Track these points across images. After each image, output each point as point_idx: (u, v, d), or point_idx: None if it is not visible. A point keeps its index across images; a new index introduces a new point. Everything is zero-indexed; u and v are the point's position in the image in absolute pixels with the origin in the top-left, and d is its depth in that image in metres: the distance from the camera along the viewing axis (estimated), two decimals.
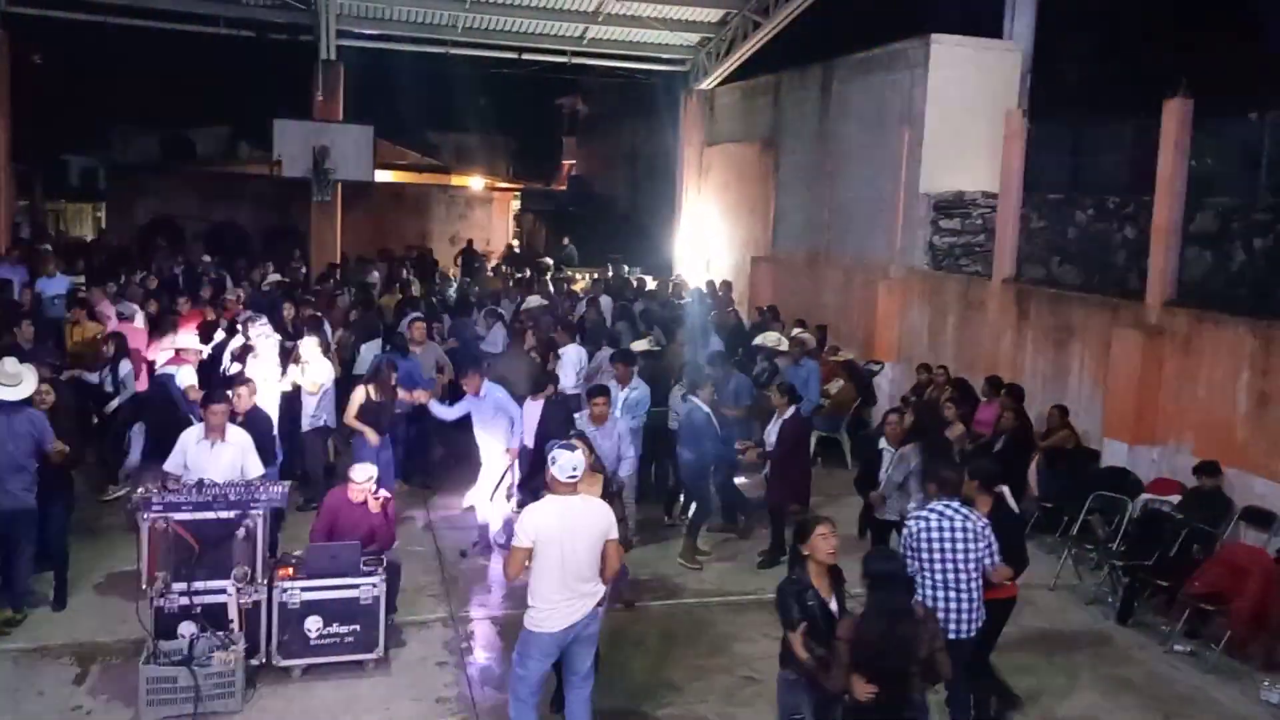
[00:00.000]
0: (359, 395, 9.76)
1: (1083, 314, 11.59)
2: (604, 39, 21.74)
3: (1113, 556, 9.00)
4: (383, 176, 25.33)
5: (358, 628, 7.03)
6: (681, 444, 9.78)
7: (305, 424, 10.29)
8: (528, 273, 21.38)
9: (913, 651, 4.94)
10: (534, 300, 15.55)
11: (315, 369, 10.26)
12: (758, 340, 13.12)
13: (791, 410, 9.51)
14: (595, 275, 21.97)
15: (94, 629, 7.55)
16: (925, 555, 5.92)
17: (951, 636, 5.86)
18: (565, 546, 5.56)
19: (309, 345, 10.39)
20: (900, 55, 15.14)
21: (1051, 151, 12.66)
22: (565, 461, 5.61)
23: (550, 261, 24.56)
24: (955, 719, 6.24)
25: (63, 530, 7.99)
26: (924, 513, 6.03)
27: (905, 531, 6.05)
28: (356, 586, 7.02)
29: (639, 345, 12.27)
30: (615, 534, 5.80)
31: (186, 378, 9.89)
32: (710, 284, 18.47)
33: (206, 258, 20.11)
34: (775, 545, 9.52)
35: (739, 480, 11.32)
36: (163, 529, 6.58)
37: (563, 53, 22.09)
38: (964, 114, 14.34)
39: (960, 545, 5.91)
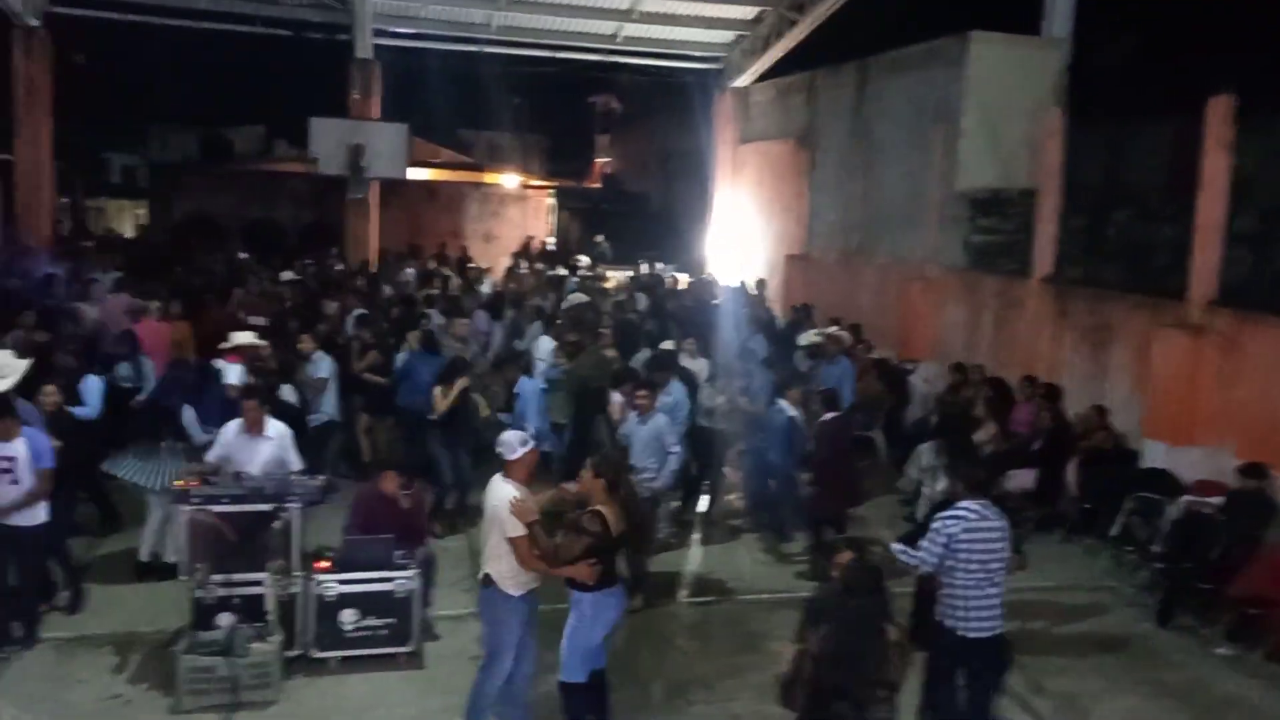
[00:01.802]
0: (438, 392, 9.95)
1: (1123, 313, 11.44)
2: (638, 37, 21.77)
3: (1153, 558, 8.89)
4: (417, 174, 25.45)
5: (393, 621, 7.07)
6: (766, 447, 9.92)
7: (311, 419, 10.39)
8: (559, 270, 21.42)
9: (881, 671, 4.75)
10: (576, 297, 15.57)
11: (314, 365, 10.51)
12: (802, 340, 13.10)
13: (830, 414, 9.34)
14: (632, 274, 21.94)
15: (133, 619, 7.63)
16: (963, 554, 5.84)
17: (986, 635, 5.85)
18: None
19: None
20: (937, 52, 15.03)
21: (1091, 149, 12.51)
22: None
23: (584, 259, 24.58)
24: (984, 716, 6.16)
25: (62, 530, 7.92)
26: (962, 511, 5.92)
27: (943, 528, 5.89)
28: (391, 580, 7.06)
29: (666, 346, 12.25)
30: (512, 530, 5.77)
31: (233, 376, 9.98)
32: (743, 282, 18.42)
33: (243, 255, 20.32)
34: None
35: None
36: (201, 521, 6.65)
37: (597, 51, 22.16)
38: (1002, 111, 14.22)
39: (995, 544, 5.87)
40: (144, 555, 8.35)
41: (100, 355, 10.95)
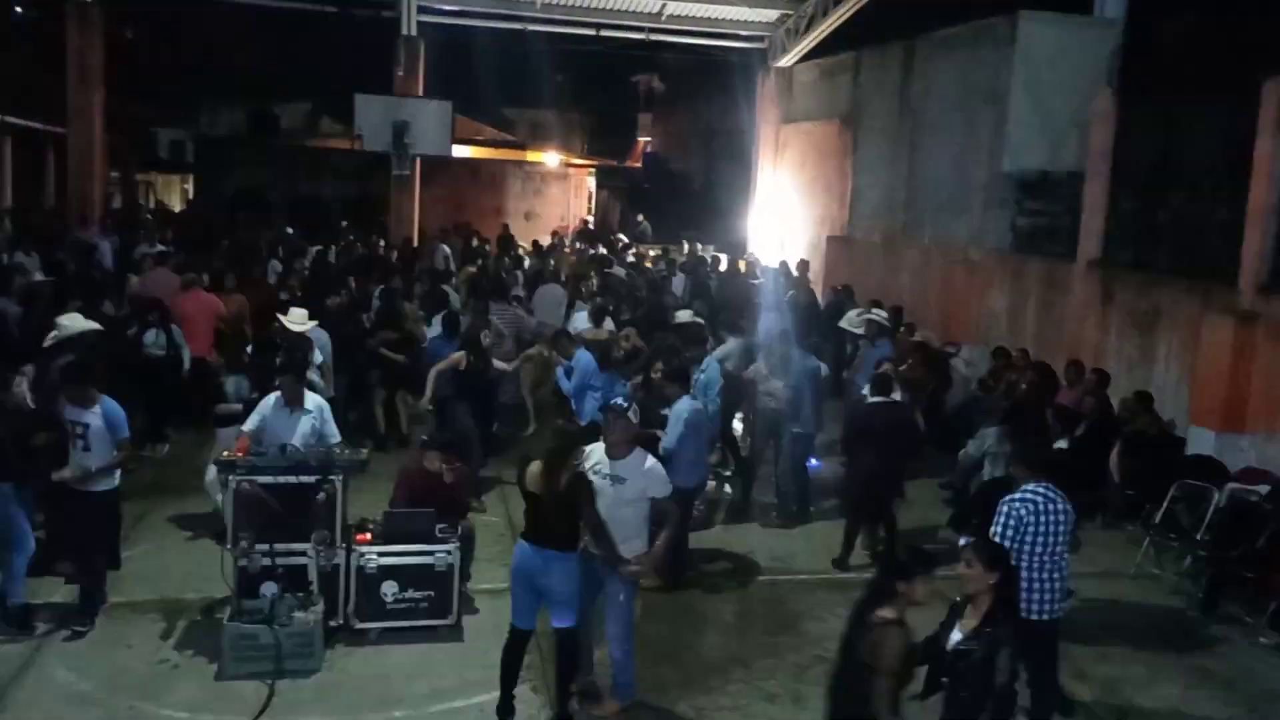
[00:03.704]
0: (456, 359, 9.91)
1: (1171, 298, 11.28)
2: (681, 15, 21.67)
3: (1197, 546, 8.78)
4: (459, 152, 25.56)
5: (432, 594, 7.15)
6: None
7: None
8: (600, 249, 21.45)
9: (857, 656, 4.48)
10: (616, 271, 15.60)
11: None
12: (844, 322, 13.03)
13: (879, 398, 9.02)
14: (668, 250, 21.84)
15: (180, 586, 7.78)
16: (1030, 536, 5.87)
17: (1045, 617, 5.92)
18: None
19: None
20: (986, 31, 14.83)
21: (1142, 130, 12.31)
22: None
23: (625, 238, 24.60)
24: (1046, 701, 6.15)
25: None
26: (1029, 494, 5.96)
27: (1009, 510, 5.90)
28: (431, 553, 7.14)
29: (683, 315, 12.19)
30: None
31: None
32: (784, 263, 18.33)
33: (289, 230, 20.54)
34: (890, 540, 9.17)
35: (811, 461, 11.29)
36: (247, 491, 6.76)
37: (640, 29, 22.04)
38: (1051, 92, 14.02)
39: (1060, 527, 5.92)
40: None
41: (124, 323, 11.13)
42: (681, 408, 8.17)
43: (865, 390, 9.51)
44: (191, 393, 10.92)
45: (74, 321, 8.47)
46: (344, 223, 22.46)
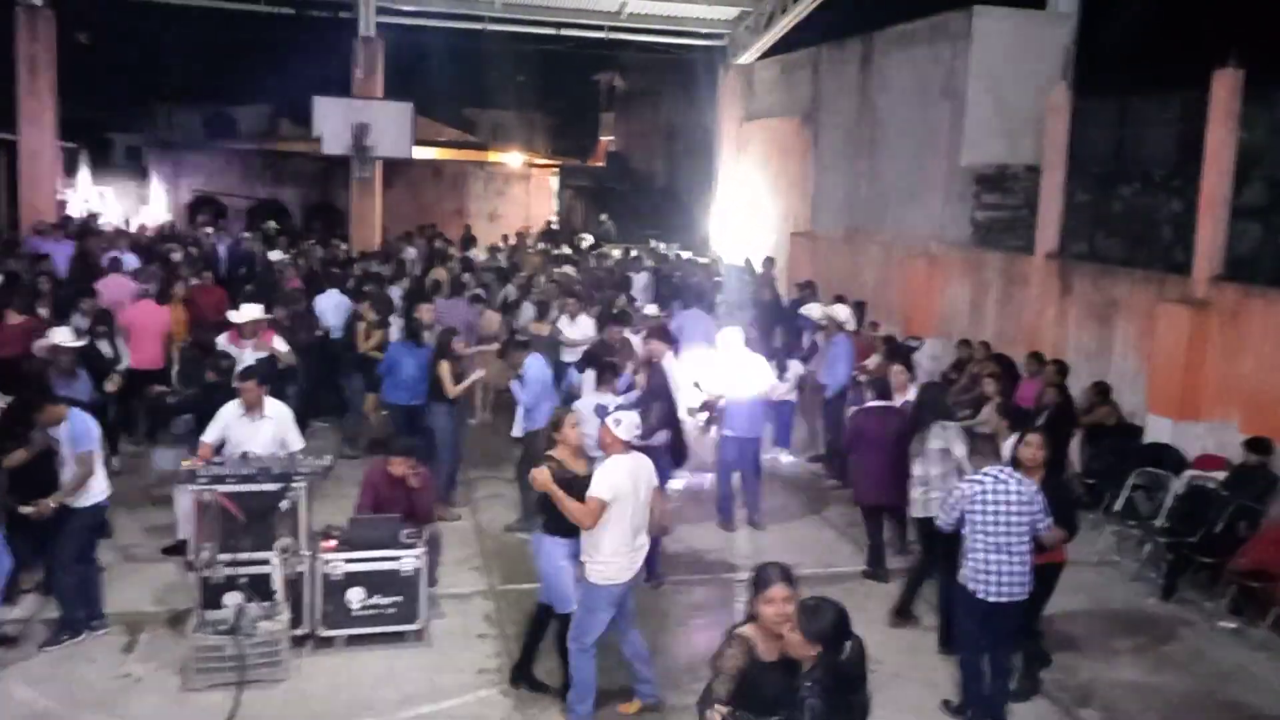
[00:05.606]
0: (444, 370, 9.81)
1: (1127, 289, 11.43)
2: (641, 13, 21.69)
3: (1156, 533, 8.92)
4: (421, 153, 25.43)
5: (399, 599, 7.09)
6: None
7: None
8: (564, 249, 21.43)
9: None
10: (567, 269, 15.64)
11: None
12: (808, 310, 13.03)
13: (878, 402, 8.77)
14: (629, 250, 21.86)
15: (142, 599, 7.69)
16: (979, 518, 6.02)
17: (1004, 599, 6.01)
18: (633, 502, 5.96)
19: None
20: (942, 27, 14.95)
21: (1097, 124, 12.46)
22: (629, 421, 6.05)
23: (589, 237, 24.59)
24: (996, 680, 6.27)
25: None
26: (978, 476, 6.13)
27: (958, 493, 6.16)
28: (398, 559, 7.08)
29: (648, 310, 12.28)
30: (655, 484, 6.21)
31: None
32: (748, 260, 18.39)
33: (246, 234, 20.34)
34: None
35: (787, 459, 11.34)
36: (208, 501, 6.69)
37: (600, 28, 22.05)
38: (1007, 86, 14.16)
39: (1015, 509, 6.00)
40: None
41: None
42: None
43: (827, 383, 9.56)
44: (129, 400, 10.80)
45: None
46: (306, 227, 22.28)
